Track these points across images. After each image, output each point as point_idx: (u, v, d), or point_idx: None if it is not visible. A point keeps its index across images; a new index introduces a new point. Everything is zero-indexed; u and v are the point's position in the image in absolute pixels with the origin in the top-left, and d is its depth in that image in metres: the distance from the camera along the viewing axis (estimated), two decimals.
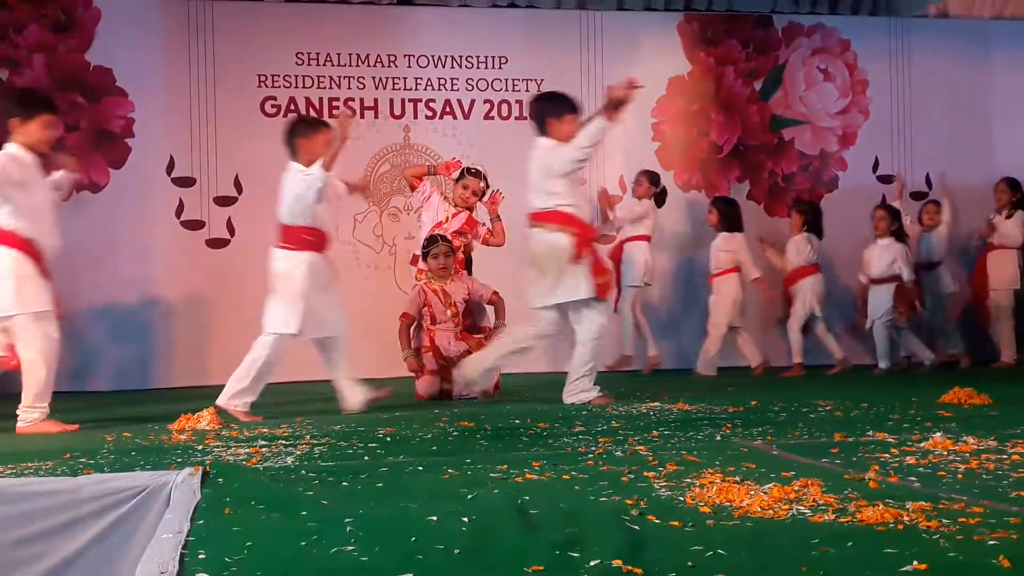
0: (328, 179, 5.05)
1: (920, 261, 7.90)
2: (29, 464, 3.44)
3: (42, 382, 4.70)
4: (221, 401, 5.04)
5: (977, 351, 8.07)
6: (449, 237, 6.25)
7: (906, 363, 7.72)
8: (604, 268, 5.44)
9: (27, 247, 4.69)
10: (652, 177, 7.92)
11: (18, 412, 4.74)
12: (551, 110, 5.45)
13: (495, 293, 6.35)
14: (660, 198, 8.06)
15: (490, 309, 6.50)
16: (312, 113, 7.99)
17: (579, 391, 5.36)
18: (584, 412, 4.94)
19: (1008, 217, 7.88)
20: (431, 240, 6.19)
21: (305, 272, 5.11)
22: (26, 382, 4.70)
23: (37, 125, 4.77)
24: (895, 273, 7.46)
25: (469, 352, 5.95)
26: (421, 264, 6.34)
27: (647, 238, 7.74)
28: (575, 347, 5.45)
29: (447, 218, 6.47)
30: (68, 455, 3.66)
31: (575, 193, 5.38)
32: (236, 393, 5.08)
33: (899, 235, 7.59)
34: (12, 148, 4.76)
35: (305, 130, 5.25)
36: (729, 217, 7.69)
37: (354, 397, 5.23)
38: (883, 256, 7.52)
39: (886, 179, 8.78)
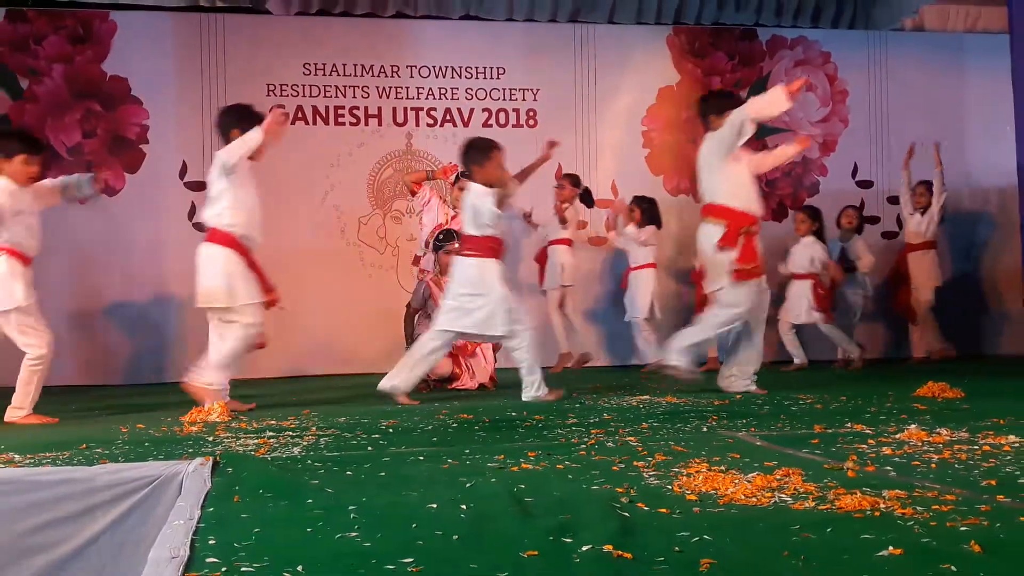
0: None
1: (846, 261, 7.87)
2: (47, 454, 3.44)
3: None
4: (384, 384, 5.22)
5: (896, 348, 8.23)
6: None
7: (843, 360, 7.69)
8: (752, 256, 5.30)
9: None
10: (573, 180, 7.74)
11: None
12: (716, 107, 5.46)
13: None
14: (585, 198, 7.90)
15: None
16: (318, 121, 7.99)
17: (728, 376, 5.44)
18: (577, 405, 4.94)
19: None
20: (447, 235, 6.17)
21: (497, 275, 5.20)
22: None
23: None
24: (813, 271, 7.51)
25: (468, 344, 5.99)
26: (423, 264, 6.34)
27: (569, 242, 7.61)
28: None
29: (446, 220, 6.47)
30: (84, 445, 3.66)
31: (733, 184, 5.30)
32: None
33: (819, 235, 7.62)
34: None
35: (478, 156, 5.30)
36: (650, 215, 7.60)
37: (529, 391, 5.23)
38: (803, 254, 7.56)
39: (865, 184, 8.80)
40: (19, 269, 4.90)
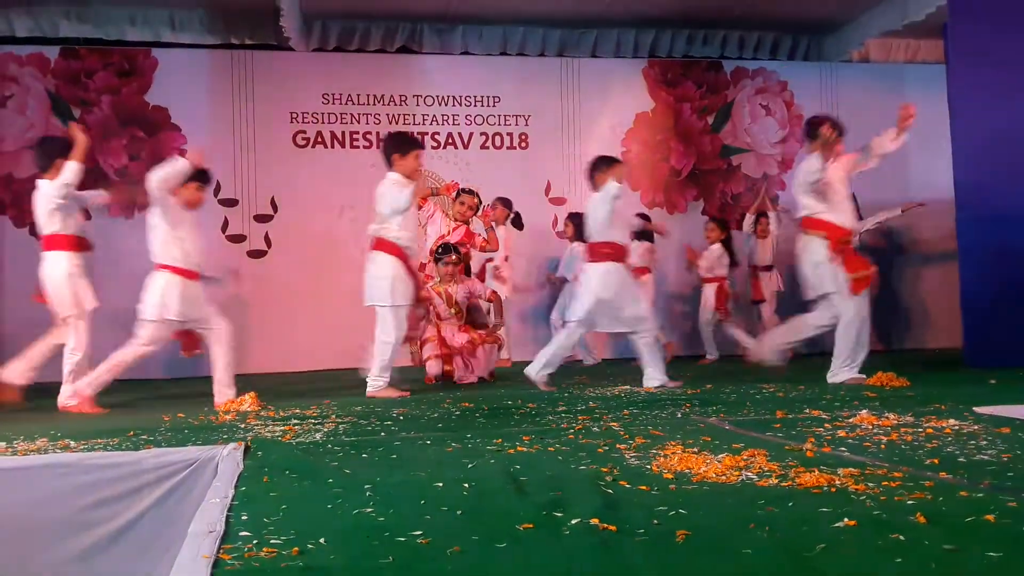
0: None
1: (756, 264, 7.79)
2: (99, 440, 3.43)
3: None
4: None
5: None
6: (458, 248, 6.26)
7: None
8: (860, 265, 5.18)
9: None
10: (506, 202, 7.53)
11: (367, 379, 5.16)
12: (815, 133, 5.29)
13: (493, 292, 6.36)
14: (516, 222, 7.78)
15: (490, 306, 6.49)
16: (336, 145, 7.99)
17: (840, 369, 5.17)
18: (566, 394, 4.93)
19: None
20: (445, 249, 6.16)
21: (604, 278, 5.09)
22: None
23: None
24: (717, 275, 7.50)
25: (471, 343, 5.97)
26: (428, 270, 6.32)
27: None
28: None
29: (448, 231, 6.46)
30: (132, 433, 3.65)
31: (827, 201, 5.14)
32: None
33: (726, 243, 7.59)
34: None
35: (602, 165, 5.23)
36: (582, 230, 7.52)
37: (649, 382, 5.13)
38: (710, 260, 7.56)
39: None
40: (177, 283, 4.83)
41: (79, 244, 5.10)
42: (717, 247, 7.56)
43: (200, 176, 4.99)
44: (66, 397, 4.85)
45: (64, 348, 5.05)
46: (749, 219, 7.83)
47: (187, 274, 4.82)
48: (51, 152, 5.03)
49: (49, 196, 4.94)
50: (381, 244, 5.19)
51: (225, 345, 4.95)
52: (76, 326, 5.01)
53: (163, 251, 4.79)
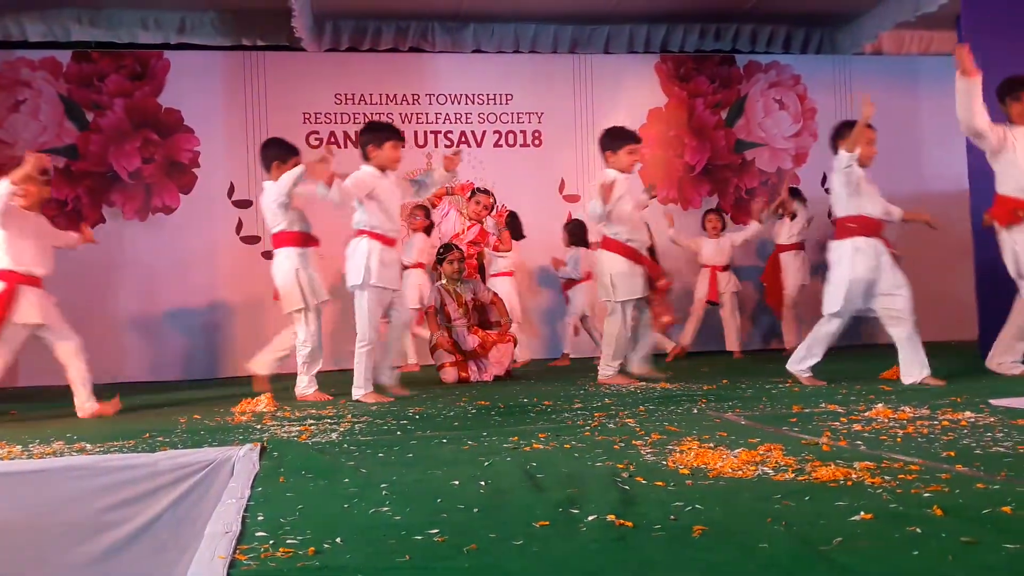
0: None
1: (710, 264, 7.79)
2: (115, 443, 3.45)
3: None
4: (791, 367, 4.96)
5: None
6: (462, 247, 6.26)
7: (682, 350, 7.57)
8: None
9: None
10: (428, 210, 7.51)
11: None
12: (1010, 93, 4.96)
13: (495, 295, 6.36)
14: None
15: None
16: (349, 145, 8.01)
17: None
18: (582, 391, 4.93)
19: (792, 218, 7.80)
20: (446, 248, 6.20)
21: (849, 258, 4.72)
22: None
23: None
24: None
25: (482, 345, 5.97)
26: (440, 268, 6.35)
27: (422, 265, 7.27)
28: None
29: (463, 230, 6.48)
30: (148, 435, 3.67)
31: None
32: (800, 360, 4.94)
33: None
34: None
35: (843, 132, 4.89)
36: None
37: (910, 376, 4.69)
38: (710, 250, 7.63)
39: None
40: (377, 249, 4.87)
41: (304, 240, 5.18)
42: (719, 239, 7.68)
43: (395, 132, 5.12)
44: (302, 387, 5.10)
45: (295, 342, 5.20)
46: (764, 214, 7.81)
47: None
48: (267, 155, 5.21)
49: (269, 197, 5.10)
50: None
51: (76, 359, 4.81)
52: (306, 319, 5.12)
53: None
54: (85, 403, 4.75)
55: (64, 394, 4.90)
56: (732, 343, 7.73)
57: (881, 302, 4.72)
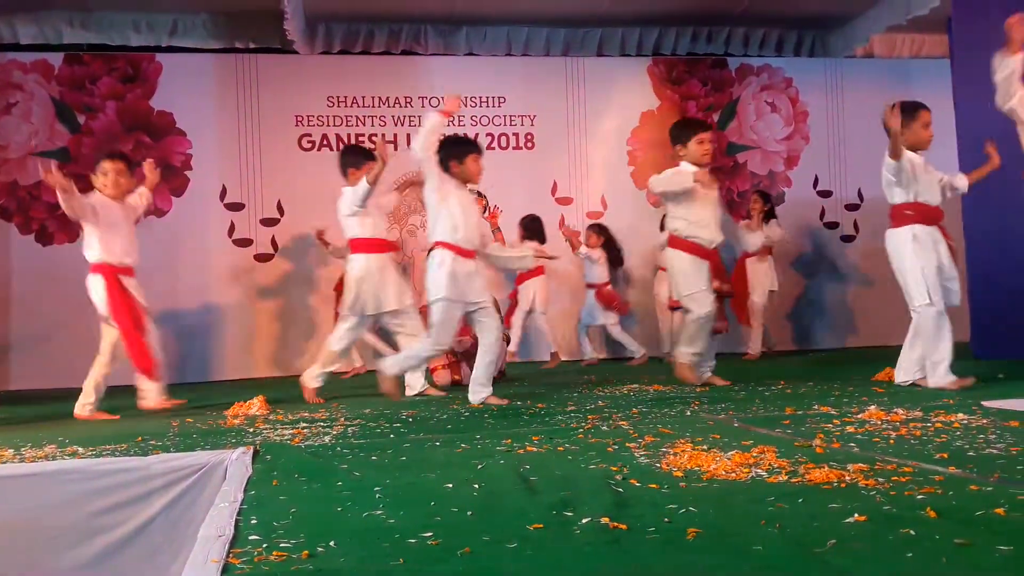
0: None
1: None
2: (107, 446, 3.44)
3: None
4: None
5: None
6: None
7: (645, 357, 7.58)
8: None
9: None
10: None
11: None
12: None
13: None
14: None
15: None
16: (341, 147, 7.99)
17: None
18: (575, 394, 4.93)
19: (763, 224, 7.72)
20: None
21: (910, 244, 4.58)
22: None
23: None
24: (600, 280, 7.53)
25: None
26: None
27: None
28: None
29: None
30: (140, 438, 3.66)
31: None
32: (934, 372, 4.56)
33: (607, 247, 7.62)
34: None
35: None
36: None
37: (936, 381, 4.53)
38: (591, 266, 7.58)
39: (825, 194, 8.80)
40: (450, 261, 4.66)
41: (379, 246, 5.22)
42: (597, 252, 7.57)
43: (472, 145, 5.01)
44: (311, 376, 5.22)
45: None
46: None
47: None
48: (344, 162, 5.30)
49: (344, 204, 5.17)
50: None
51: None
52: (351, 323, 5.18)
53: None
54: (149, 394, 5.06)
55: (56, 397, 4.89)
56: (633, 346, 7.71)
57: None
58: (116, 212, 5.03)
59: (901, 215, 4.64)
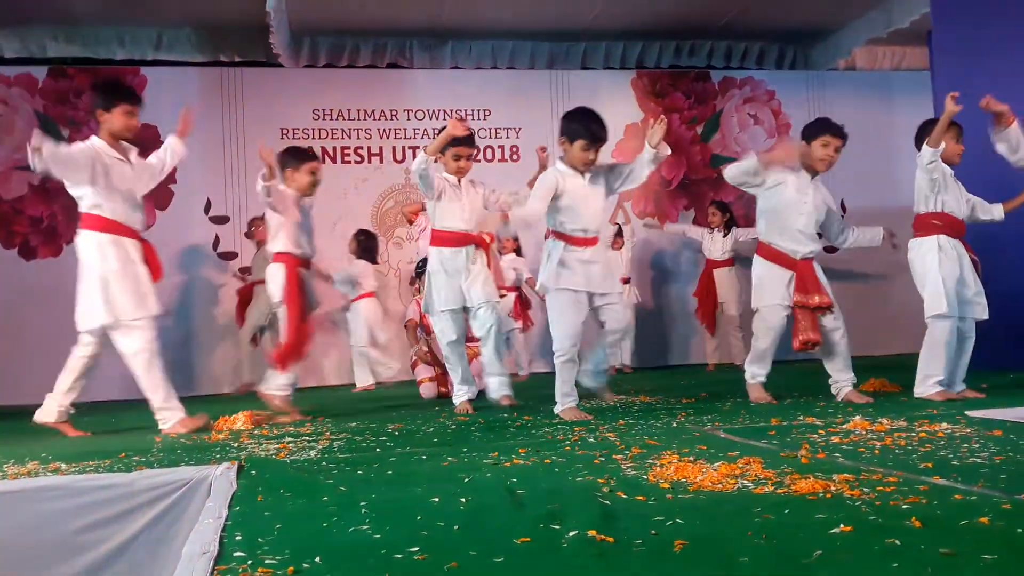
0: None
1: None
2: (90, 463, 3.41)
3: None
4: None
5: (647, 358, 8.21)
6: None
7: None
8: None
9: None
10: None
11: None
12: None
13: None
14: None
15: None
16: (327, 160, 7.98)
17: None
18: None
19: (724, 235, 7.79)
20: (424, 261, 6.18)
21: (935, 254, 4.55)
22: None
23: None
24: (516, 284, 7.46)
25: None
26: (418, 283, 6.34)
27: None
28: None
29: None
30: (123, 454, 3.63)
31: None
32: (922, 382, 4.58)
33: (518, 252, 7.62)
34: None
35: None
36: (366, 248, 7.33)
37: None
38: (507, 270, 7.48)
39: None
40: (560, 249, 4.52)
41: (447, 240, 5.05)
42: (511, 256, 7.46)
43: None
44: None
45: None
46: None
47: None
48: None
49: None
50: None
51: None
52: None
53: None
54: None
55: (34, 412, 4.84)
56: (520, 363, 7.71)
57: (962, 310, 4.57)
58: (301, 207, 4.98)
59: (928, 224, 4.63)
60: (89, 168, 4.50)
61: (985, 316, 4.63)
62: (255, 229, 7.42)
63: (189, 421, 4.57)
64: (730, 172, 4.68)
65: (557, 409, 4.43)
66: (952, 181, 4.65)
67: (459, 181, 5.02)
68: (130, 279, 4.54)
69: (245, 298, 7.47)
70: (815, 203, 4.66)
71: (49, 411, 4.61)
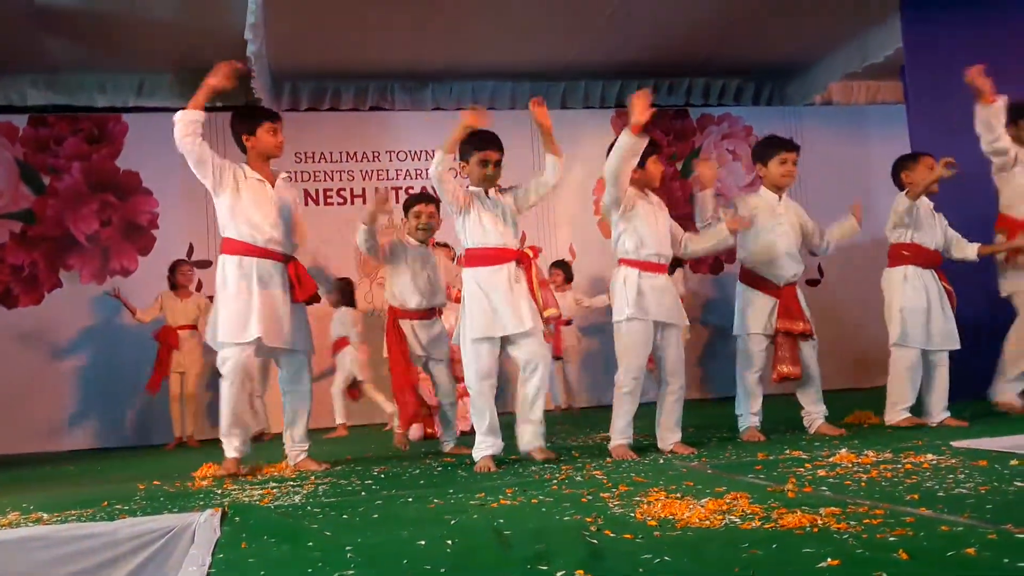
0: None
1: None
2: (72, 512, 3.36)
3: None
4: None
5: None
6: None
7: None
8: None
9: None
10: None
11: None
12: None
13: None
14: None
15: None
16: (310, 203, 7.99)
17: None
18: (548, 444, 4.89)
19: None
20: None
21: (900, 284, 4.69)
22: None
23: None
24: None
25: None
26: None
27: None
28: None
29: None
30: (106, 503, 3.58)
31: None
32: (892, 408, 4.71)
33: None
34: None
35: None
36: (345, 294, 7.39)
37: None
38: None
39: None
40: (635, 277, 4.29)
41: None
42: None
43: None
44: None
45: None
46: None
47: None
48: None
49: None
50: None
51: None
52: None
53: None
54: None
55: (20, 462, 4.78)
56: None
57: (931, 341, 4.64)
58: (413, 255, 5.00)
59: (898, 255, 4.74)
60: (217, 173, 4.45)
61: (956, 346, 4.70)
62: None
63: (229, 464, 4.37)
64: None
65: (609, 445, 4.24)
66: (927, 216, 4.73)
67: (486, 192, 4.42)
68: (239, 302, 4.24)
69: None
70: (790, 222, 4.70)
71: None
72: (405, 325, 4.92)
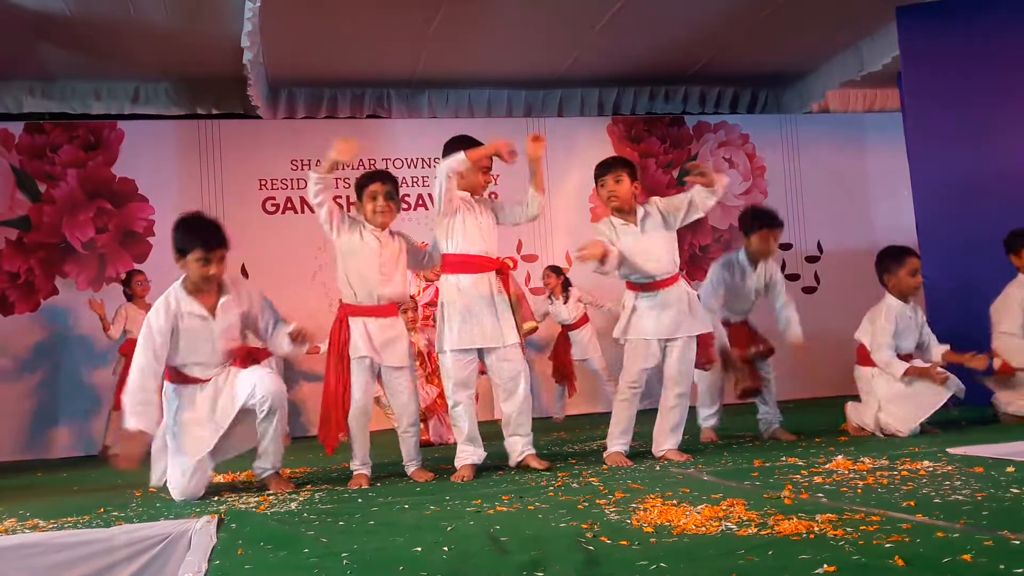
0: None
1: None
2: (68, 519, 3.36)
3: None
4: None
5: None
6: (418, 306, 6.26)
7: None
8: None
9: None
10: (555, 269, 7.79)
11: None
12: None
13: None
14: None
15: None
16: (306, 210, 8.01)
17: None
18: (545, 451, 4.89)
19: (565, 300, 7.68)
20: None
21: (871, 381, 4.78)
22: None
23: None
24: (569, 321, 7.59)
25: (442, 395, 5.91)
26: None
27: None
28: None
29: (419, 291, 6.48)
30: (102, 510, 3.59)
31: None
32: None
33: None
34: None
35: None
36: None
37: None
38: (559, 310, 7.63)
39: (785, 246, 8.91)
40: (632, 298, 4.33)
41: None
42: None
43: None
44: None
45: None
46: None
47: None
48: None
49: None
50: None
51: None
52: None
53: None
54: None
55: (16, 469, 4.77)
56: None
57: None
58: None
59: (867, 357, 4.80)
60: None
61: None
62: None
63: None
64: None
65: (605, 453, 4.28)
66: (905, 322, 4.74)
67: (472, 197, 4.40)
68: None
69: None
70: (756, 286, 4.94)
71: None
72: (356, 323, 4.11)
